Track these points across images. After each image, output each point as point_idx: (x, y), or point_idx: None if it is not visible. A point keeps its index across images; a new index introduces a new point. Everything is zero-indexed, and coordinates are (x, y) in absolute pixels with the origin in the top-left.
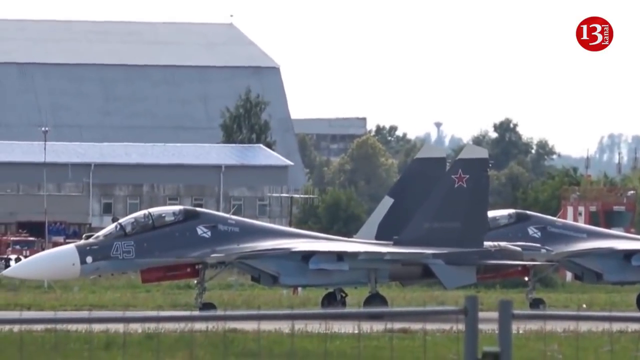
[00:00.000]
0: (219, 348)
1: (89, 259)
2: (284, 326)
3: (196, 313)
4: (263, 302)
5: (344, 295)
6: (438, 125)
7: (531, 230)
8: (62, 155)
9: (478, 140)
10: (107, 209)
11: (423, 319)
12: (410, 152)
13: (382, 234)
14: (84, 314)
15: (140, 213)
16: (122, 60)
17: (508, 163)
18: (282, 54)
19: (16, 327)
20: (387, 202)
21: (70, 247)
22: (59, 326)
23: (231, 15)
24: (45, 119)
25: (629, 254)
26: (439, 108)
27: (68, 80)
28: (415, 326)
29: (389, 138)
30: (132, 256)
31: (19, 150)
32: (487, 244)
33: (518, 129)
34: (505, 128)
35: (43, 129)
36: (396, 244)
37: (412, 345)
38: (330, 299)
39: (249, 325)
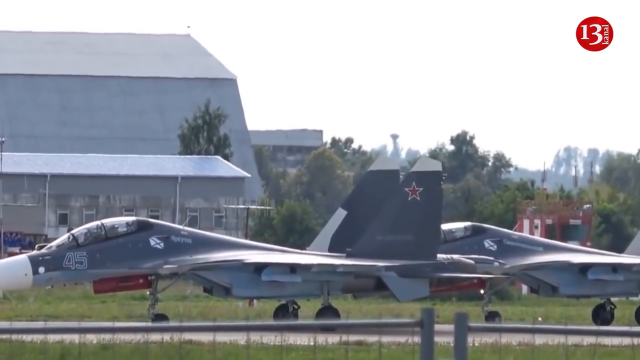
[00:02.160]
0: (175, 359)
1: (41, 270)
2: (240, 338)
3: (151, 324)
4: (219, 314)
5: (296, 307)
6: (394, 137)
7: (487, 243)
8: (18, 166)
9: (435, 153)
10: (63, 220)
11: (379, 331)
12: (366, 164)
13: (335, 246)
14: (40, 324)
15: (93, 224)
16: (79, 71)
17: (464, 176)
18: (239, 66)
19: None
20: (341, 214)
21: (23, 257)
22: (14, 336)
23: (188, 27)
24: (1, 129)
25: (584, 268)
26: (396, 120)
27: (25, 90)
28: (371, 338)
29: (345, 150)
30: (84, 267)
31: None
32: (440, 256)
33: (475, 141)
34: (461, 141)
35: None
36: (349, 256)
37: (368, 357)
38: (282, 311)
39: (205, 337)
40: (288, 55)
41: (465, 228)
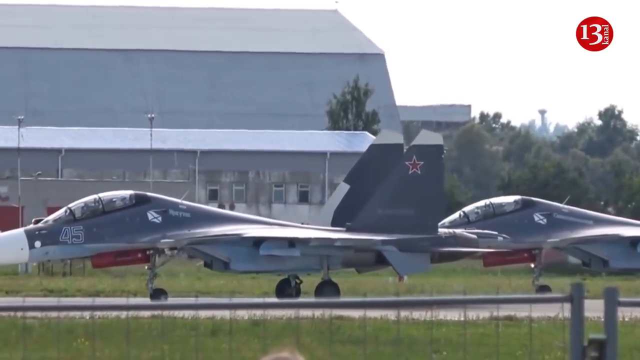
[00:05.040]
0: (325, 335)
1: (37, 244)
2: (390, 313)
3: (302, 299)
4: (369, 289)
5: (298, 282)
6: (542, 112)
7: (537, 217)
8: (167, 142)
9: (582, 128)
10: (213, 195)
11: (529, 306)
12: (515, 139)
13: (338, 220)
14: (191, 300)
15: (90, 197)
16: (227, 47)
17: (613, 150)
18: (387, 41)
19: (123, 314)
20: (343, 188)
21: (19, 231)
22: (165, 313)
23: (336, 2)
24: (150, 105)
25: (635, 241)
26: (544, 95)
27: (173, 67)
28: (521, 313)
29: (494, 125)
30: (81, 241)
31: (125, 137)
32: (441, 230)
33: (623, 115)
34: (610, 115)
35: (149, 115)
36: (349, 230)
37: (518, 332)
38: (284, 286)
39: (355, 313)
40: (436, 30)
41: (515, 202)
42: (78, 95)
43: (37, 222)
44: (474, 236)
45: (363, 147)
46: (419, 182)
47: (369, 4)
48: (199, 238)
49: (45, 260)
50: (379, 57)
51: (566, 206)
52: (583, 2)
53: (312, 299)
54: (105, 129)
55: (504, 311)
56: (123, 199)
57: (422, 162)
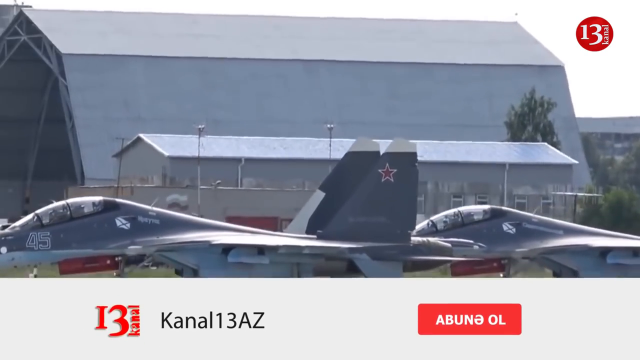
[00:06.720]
0: None
1: (3, 249)
2: None
3: None
4: None
5: None
6: None
7: (505, 227)
8: None
9: None
10: None
11: None
12: None
13: (312, 229)
14: None
15: (59, 204)
16: (406, 58)
17: None
18: (567, 52)
19: None
20: (319, 196)
21: None
22: None
23: (516, 14)
24: (330, 116)
25: (604, 252)
26: None
27: (353, 77)
28: None
29: None
30: (47, 247)
31: (305, 146)
32: (414, 239)
33: None
34: None
35: (328, 125)
36: (320, 237)
37: None
38: None
39: None
40: (615, 42)
41: (484, 211)
42: (258, 105)
43: (4, 227)
44: (448, 244)
45: (542, 159)
46: (391, 190)
47: (549, 16)
48: (167, 245)
49: (11, 266)
50: (559, 69)
51: (536, 216)
52: (583, 2)
53: None
54: (285, 138)
55: None
56: (91, 205)
57: (395, 170)
